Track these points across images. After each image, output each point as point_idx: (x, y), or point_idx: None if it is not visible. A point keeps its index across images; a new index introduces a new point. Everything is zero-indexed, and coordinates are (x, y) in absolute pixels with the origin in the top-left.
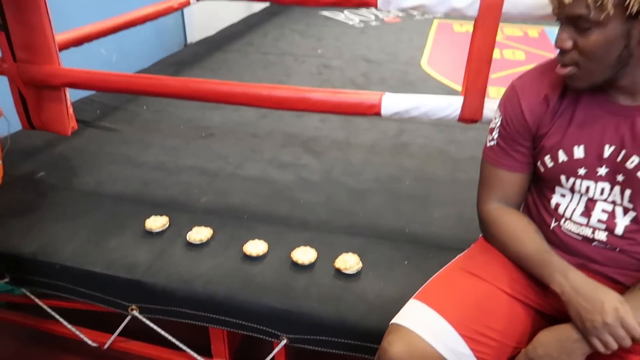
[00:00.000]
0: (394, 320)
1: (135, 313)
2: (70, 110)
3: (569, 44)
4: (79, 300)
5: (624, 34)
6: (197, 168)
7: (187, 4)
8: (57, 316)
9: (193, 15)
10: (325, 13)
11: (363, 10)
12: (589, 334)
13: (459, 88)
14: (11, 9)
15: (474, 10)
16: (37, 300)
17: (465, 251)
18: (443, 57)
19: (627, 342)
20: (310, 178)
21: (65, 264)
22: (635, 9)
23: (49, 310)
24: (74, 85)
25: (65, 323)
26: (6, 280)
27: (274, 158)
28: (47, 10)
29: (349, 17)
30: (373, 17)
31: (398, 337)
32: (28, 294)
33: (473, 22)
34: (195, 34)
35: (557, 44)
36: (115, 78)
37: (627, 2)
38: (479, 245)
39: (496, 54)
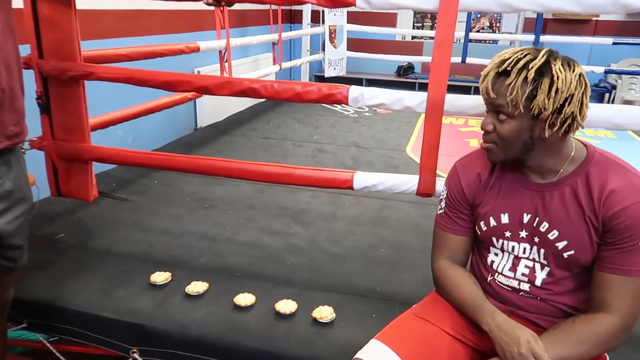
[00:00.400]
0: (356, 355)
1: (136, 356)
2: (94, 180)
3: (490, 127)
4: (88, 345)
5: (529, 127)
6: (198, 233)
7: (200, 95)
8: None
9: (204, 103)
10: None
11: None
12: None
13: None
14: (56, 97)
15: (422, 108)
16: (48, 344)
17: (420, 301)
18: None
19: None
20: (298, 244)
21: (78, 309)
22: (536, 112)
23: (58, 355)
24: (101, 160)
25: None
26: (24, 325)
27: (267, 227)
28: (85, 100)
29: (345, 107)
30: (367, 108)
31: None
32: (41, 338)
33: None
34: (205, 119)
35: (482, 126)
36: (134, 154)
37: (532, 105)
38: (431, 296)
39: (474, 143)
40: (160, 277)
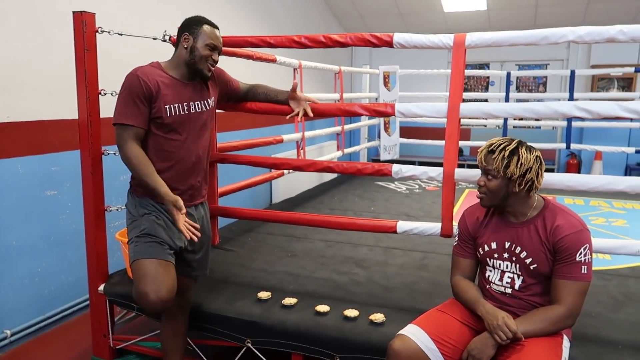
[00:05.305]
0: (398, 332)
1: (249, 344)
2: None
3: (482, 182)
4: (216, 338)
5: (505, 185)
6: (286, 272)
7: (282, 174)
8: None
9: (279, 183)
10: (380, 182)
11: (409, 181)
12: (491, 332)
13: None
14: None
15: (440, 178)
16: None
17: (443, 302)
18: None
19: (509, 335)
20: (358, 280)
21: (212, 312)
22: (509, 176)
23: (194, 347)
24: (226, 215)
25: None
26: None
27: (335, 269)
28: (217, 176)
29: (398, 186)
30: (417, 186)
31: (398, 338)
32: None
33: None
34: (279, 196)
35: (477, 182)
36: (248, 212)
37: (507, 171)
38: (449, 300)
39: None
40: (264, 294)
